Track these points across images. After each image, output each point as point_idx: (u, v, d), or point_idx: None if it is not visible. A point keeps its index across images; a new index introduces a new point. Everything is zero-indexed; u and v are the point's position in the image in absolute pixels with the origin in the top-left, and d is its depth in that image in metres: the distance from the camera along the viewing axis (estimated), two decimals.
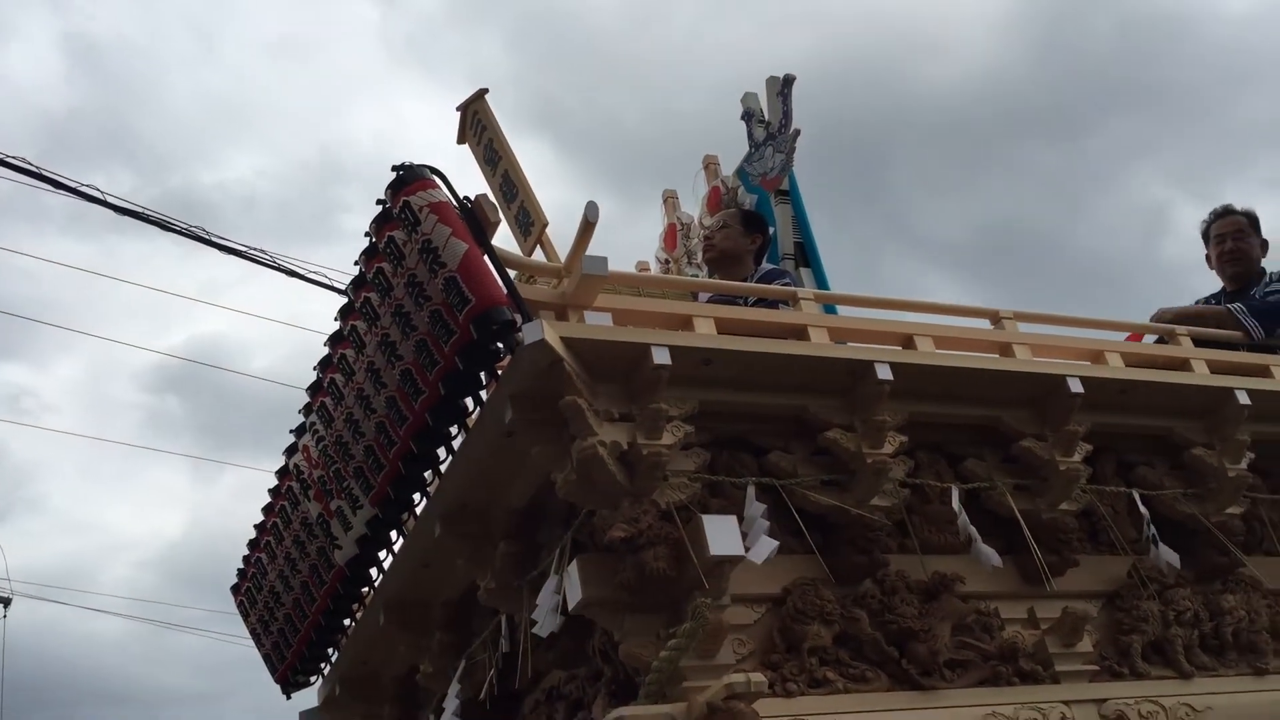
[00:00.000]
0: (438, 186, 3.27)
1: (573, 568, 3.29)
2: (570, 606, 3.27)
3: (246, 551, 4.89)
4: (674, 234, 5.80)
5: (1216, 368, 4.30)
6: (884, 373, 3.51)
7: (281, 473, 4.41)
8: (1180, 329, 4.50)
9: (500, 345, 3.20)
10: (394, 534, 4.07)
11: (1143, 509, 3.97)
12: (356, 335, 3.62)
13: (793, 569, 3.51)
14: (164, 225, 8.38)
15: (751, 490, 3.43)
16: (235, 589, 5.15)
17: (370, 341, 3.57)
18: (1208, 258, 5.18)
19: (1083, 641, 3.74)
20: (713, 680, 3.19)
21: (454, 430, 3.54)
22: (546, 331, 3.06)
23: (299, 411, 4.21)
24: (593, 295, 3.37)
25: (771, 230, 4.83)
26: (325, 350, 3.85)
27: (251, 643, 5.12)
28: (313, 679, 5.07)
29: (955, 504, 3.67)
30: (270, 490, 4.56)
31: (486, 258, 3.18)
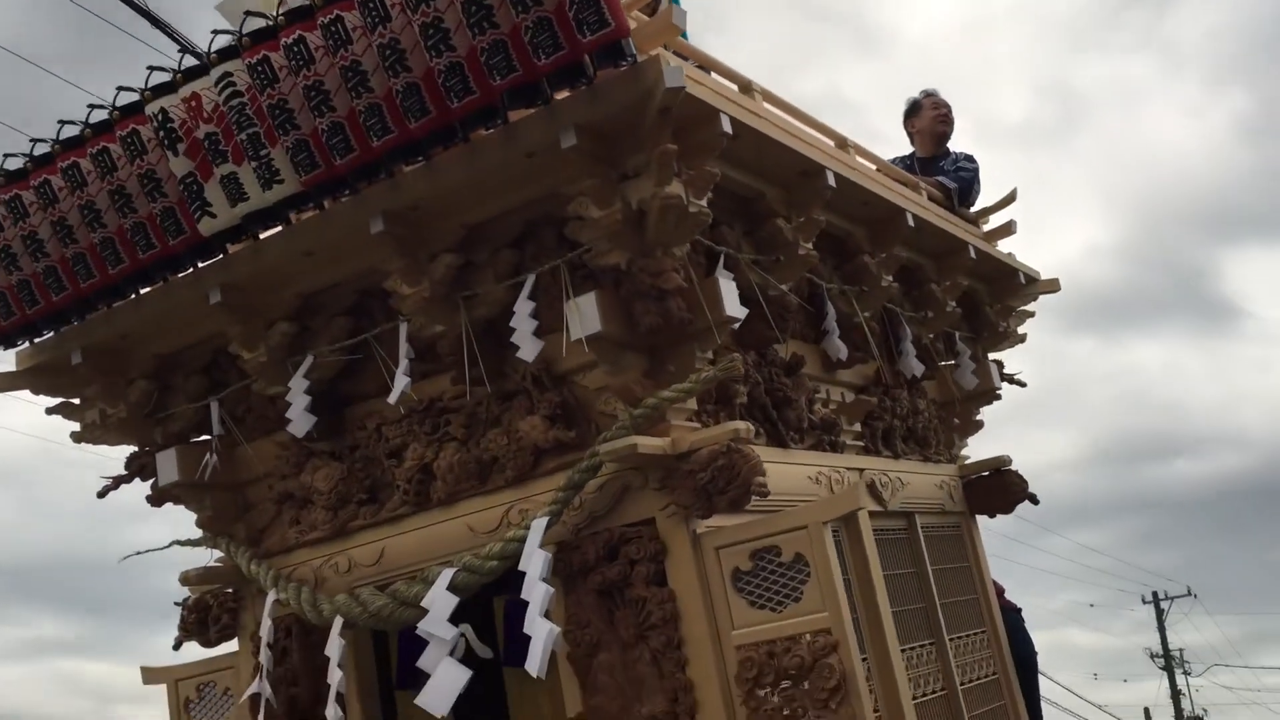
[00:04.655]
0: None
1: (588, 300, 3.43)
2: (582, 335, 3.42)
3: None
4: None
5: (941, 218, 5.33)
6: (830, 179, 4.00)
7: (128, 109, 3.79)
8: (922, 183, 5.46)
9: (594, 74, 3.20)
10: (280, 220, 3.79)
11: (906, 327, 4.93)
12: (380, 3, 3.28)
13: None
14: None
15: (722, 259, 3.77)
16: None
17: (400, 18, 3.28)
18: (911, 122, 6.17)
19: (856, 424, 4.65)
20: (676, 423, 3.59)
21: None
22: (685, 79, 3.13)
23: (191, 55, 3.66)
24: (658, 44, 3.42)
25: None
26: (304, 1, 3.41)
27: None
28: (24, 341, 4.42)
29: (827, 301, 4.32)
30: (87, 125, 3.88)
31: None
